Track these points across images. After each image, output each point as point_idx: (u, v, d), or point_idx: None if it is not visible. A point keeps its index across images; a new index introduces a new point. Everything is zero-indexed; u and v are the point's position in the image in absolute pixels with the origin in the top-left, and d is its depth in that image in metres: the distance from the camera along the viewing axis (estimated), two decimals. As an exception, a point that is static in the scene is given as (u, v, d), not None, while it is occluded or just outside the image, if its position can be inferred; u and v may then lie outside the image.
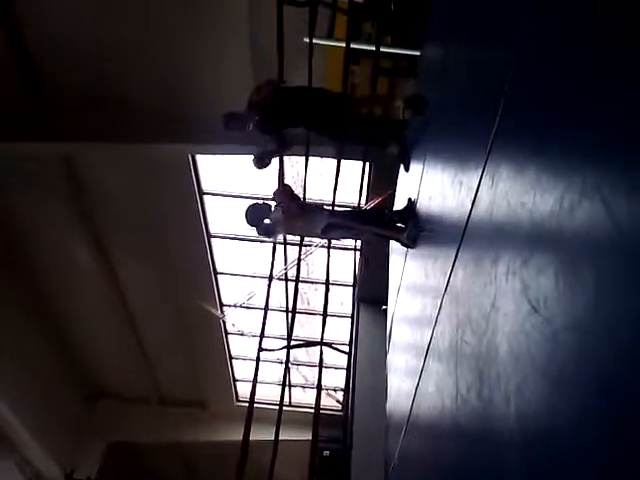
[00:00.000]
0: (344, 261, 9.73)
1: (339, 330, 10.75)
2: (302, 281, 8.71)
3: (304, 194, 6.97)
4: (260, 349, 6.88)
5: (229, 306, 10.88)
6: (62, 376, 12.13)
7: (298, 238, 7.53)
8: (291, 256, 8.60)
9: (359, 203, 7.60)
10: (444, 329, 2.53)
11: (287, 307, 8.71)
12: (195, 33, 6.82)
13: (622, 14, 1.12)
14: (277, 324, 11.14)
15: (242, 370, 12.85)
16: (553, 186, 1.35)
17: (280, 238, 5.32)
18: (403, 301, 4.83)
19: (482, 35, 2.50)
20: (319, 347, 7.36)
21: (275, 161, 6.13)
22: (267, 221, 4.60)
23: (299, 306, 7.97)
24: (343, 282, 10.20)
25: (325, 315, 7.24)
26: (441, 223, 3.05)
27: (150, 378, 12.76)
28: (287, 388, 10.80)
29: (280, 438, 6.93)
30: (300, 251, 7.66)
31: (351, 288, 9.15)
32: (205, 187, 9.21)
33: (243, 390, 13.13)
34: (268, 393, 11.76)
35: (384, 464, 5.38)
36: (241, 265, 11.13)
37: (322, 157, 7.56)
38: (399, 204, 5.08)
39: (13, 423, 10.66)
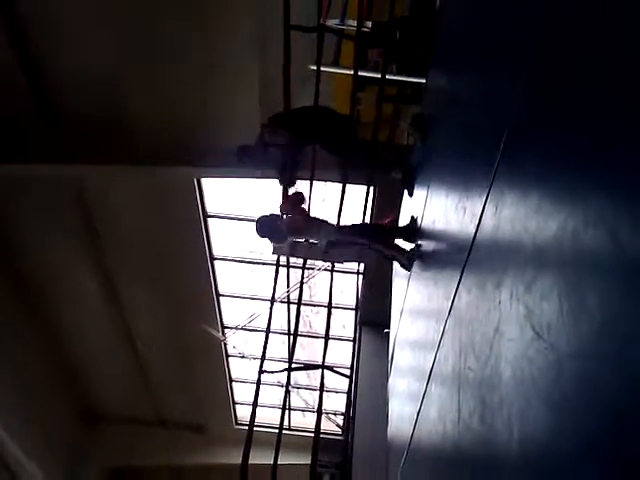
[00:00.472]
0: (347, 284, 9.73)
1: (341, 353, 10.71)
2: (304, 304, 8.69)
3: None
4: (261, 371, 6.84)
5: (231, 328, 10.85)
6: (60, 398, 12.06)
7: (301, 261, 7.54)
8: (294, 279, 8.60)
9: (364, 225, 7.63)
10: (447, 353, 2.53)
11: (289, 330, 8.68)
12: (203, 59, 6.91)
13: (622, 57, 1.15)
14: (278, 347, 11.11)
15: (242, 393, 12.77)
16: (556, 212, 1.37)
17: (290, 243, 5.41)
18: (405, 325, 4.83)
19: (487, 63, 2.54)
20: (320, 370, 7.32)
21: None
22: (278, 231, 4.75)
23: (301, 329, 7.95)
24: (345, 305, 10.19)
25: (327, 338, 7.22)
26: (445, 247, 3.07)
27: (150, 401, 12.68)
28: (287, 411, 10.71)
29: (279, 462, 6.86)
30: (303, 274, 7.67)
31: (353, 311, 9.13)
32: (209, 210, 9.27)
33: (243, 413, 13.03)
34: (268, 416, 11.67)
35: (384, 490, 5.33)
36: (243, 287, 11.14)
37: (326, 181, 7.61)
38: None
39: (10, 446, 10.51)
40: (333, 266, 7.68)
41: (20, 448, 10.67)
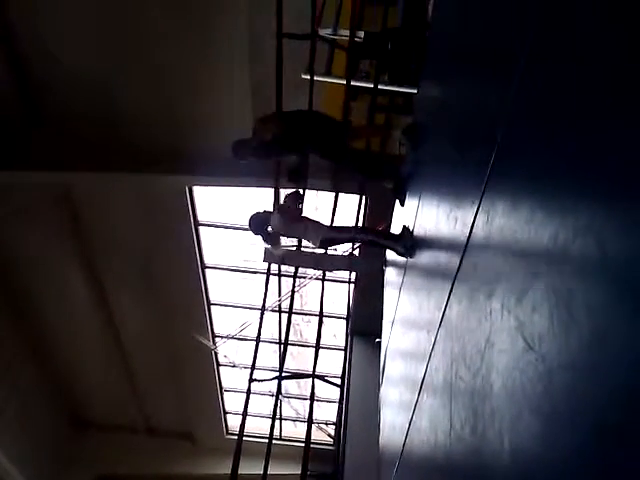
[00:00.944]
0: (338, 293, 9.74)
1: (331, 363, 10.69)
2: (295, 313, 8.69)
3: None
4: (251, 380, 6.83)
5: (222, 337, 10.82)
6: (48, 406, 11.97)
7: (292, 269, 7.54)
8: (285, 287, 8.60)
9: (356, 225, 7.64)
10: (438, 364, 2.54)
11: (280, 339, 8.67)
12: (195, 66, 6.92)
13: (614, 66, 1.17)
14: (269, 356, 11.08)
15: (233, 402, 12.71)
16: (547, 223, 1.38)
17: (283, 243, 5.43)
18: (397, 334, 4.83)
19: (478, 73, 2.56)
20: (311, 380, 7.31)
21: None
22: (268, 229, 4.75)
23: (292, 338, 7.95)
24: (337, 314, 10.19)
25: (318, 347, 7.21)
26: (436, 257, 3.07)
27: (139, 408, 12.61)
28: (278, 421, 10.68)
29: (270, 472, 6.84)
30: (294, 282, 7.67)
31: (344, 320, 9.13)
32: (201, 218, 9.26)
33: (233, 422, 12.98)
34: (258, 426, 11.63)
35: (375, 500, 5.31)
36: (234, 296, 11.12)
37: (319, 190, 7.62)
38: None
39: (-4, 454, 10.46)
40: (324, 275, 7.68)
41: (6, 455, 10.58)
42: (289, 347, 7.55)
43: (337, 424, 10.83)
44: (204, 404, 12.39)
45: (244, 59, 6.73)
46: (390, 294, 5.85)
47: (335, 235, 4.75)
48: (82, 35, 6.77)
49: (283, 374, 7.39)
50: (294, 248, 6.70)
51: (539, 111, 1.61)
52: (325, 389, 8.58)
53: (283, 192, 7.17)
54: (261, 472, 6.80)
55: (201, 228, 9.42)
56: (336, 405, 10.97)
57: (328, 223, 6.35)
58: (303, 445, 6.67)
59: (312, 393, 6.95)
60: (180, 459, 12.74)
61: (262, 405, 11.95)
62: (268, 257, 5.91)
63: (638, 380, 0.91)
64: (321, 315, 7.37)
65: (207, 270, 10.08)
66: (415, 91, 5.43)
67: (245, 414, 6.56)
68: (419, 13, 5.56)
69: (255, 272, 10.18)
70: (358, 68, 6.08)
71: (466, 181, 2.39)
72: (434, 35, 4.67)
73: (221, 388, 12.25)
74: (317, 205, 9.79)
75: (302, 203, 4.96)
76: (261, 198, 8.24)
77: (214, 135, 7.30)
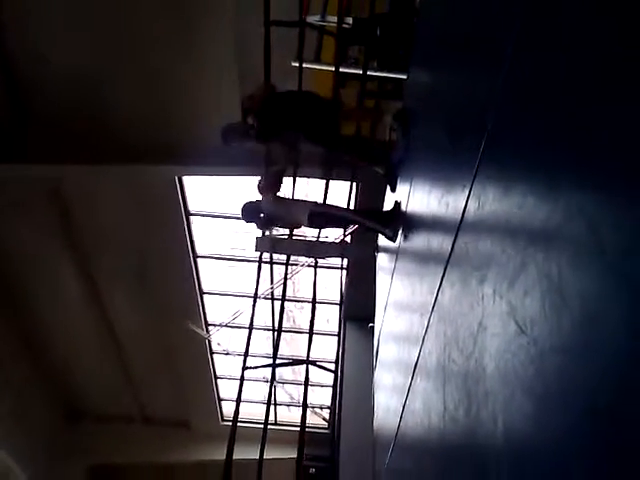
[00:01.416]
0: (331, 279, 9.77)
1: (325, 348, 10.75)
2: (288, 300, 8.71)
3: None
4: (244, 367, 6.85)
5: (215, 326, 10.84)
6: (43, 396, 11.96)
7: (284, 257, 7.55)
8: (277, 275, 8.61)
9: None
10: (431, 348, 2.57)
11: (273, 326, 8.70)
12: (182, 58, 6.88)
13: (604, 51, 1.18)
14: (263, 343, 11.12)
15: (227, 389, 12.76)
16: (539, 208, 1.39)
17: (276, 230, 5.47)
18: (390, 319, 4.87)
19: (467, 57, 2.56)
20: (305, 365, 7.35)
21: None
22: (262, 215, 4.79)
23: (285, 324, 7.97)
24: (329, 300, 10.22)
25: (311, 333, 7.25)
26: (428, 243, 3.10)
27: (134, 398, 12.63)
28: (272, 406, 10.73)
29: (265, 457, 6.89)
30: (286, 270, 7.68)
31: (337, 306, 9.17)
32: (191, 208, 9.24)
33: (228, 409, 13.02)
34: (253, 412, 11.69)
35: (371, 482, 5.38)
36: (227, 284, 11.12)
37: (309, 177, 7.62)
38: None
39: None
40: (316, 262, 7.70)
41: (2, 447, 10.58)
42: (283, 334, 7.58)
43: (332, 408, 10.93)
44: (199, 392, 12.44)
45: (231, 49, 6.69)
46: (382, 279, 5.88)
47: (323, 210, 4.77)
48: (72, 32, 6.72)
49: (277, 361, 7.43)
50: (285, 236, 6.71)
51: (528, 96, 1.62)
52: (319, 373, 8.63)
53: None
54: (256, 457, 6.85)
55: (192, 218, 9.40)
56: (330, 389, 11.06)
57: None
58: (298, 430, 6.73)
59: (306, 379, 6.99)
60: (176, 447, 12.80)
61: (256, 391, 12.01)
62: (260, 246, 5.92)
63: (628, 362, 0.93)
64: (314, 302, 7.39)
65: (199, 259, 10.08)
66: (404, 77, 5.43)
67: (239, 401, 6.60)
68: (407, -2, 5.55)
69: (247, 260, 10.19)
70: (347, 54, 6.06)
71: (457, 166, 2.41)
72: (422, 20, 4.66)
73: (215, 376, 12.30)
74: (307, 192, 9.78)
75: (281, 182, 4.97)
76: (251, 186, 8.23)
77: (202, 125, 7.27)
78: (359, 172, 6.65)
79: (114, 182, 8.72)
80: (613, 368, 0.98)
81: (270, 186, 4.85)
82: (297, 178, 6.68)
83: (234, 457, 6.23)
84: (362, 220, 4.87)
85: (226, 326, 10.54)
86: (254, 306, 7.36)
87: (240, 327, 10.62)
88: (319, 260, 7.73)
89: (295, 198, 4.81)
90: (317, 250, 6.30)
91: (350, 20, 5.85)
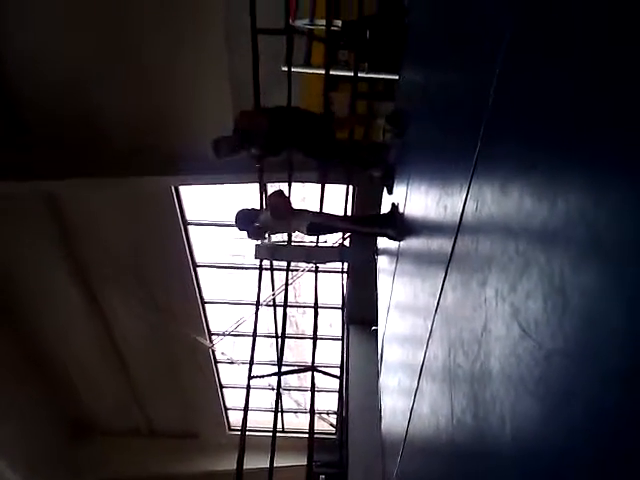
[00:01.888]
0: (332, 283, 9.75)
1: (329, 352, 10.72)
2: (290, 306, 8.70)
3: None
4: (250, 377, 6.83)
5: (218, 335, 10.82)
6: (49, 411, 11.93)
7: (285, 264, 7.53)
8: (278, 281, 8.60)
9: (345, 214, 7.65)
10: (436, 351, 2.55)
11: (276, 332, 8.68)
12: (175, 66, 6.87)
13: (596, 49, 1.17)
14: (266, 349, 11.09)
15: (233, 398, 12.73)
16: (537, 210, 1.38)
17: (267, 239, 5.46)
18: (393, 322, 4.85)
19: (459, 57, 2.55)
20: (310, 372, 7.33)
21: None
22: (256, 224, 4.78)
23: (288, 330, 7.96)
24: (331, 305, 10.20)
25: (315, 339, 7.23)
26: (428, 245, 3.08)
27: (140, 410, 12.60)
28: (279, 414, 10.70)
29: (275, 465, 6.86)
30: (287, 275, 7.67)
31: (339, 310, 9.15)
32: (189, 217, 9.22)
33: (235, 419, 12.99)
34: (260, 420, 11.66)
35: (382, 486, 5.35)
36: (228, 293, 11.10)
37: (305, 182, 7.61)
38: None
39: (-2, 461, 10.44)
40: (317, 267, 7.68)
41: (10, 466, 10.56)
42: (286, 340, 7.56)
43: (339, 413, 10.89)
44: (205, 402, 12.40)
45: (223, 56, 6.68)
46: (383, 282, 5.86)
47: (322, 221, 4.76)
48: (68, 46, 6.70)
49: (282, 369, 7.41)
50: (284, 242, 6.70)
51: (523, 95, 1.61)
52: (325, 378, 8.61)
53: (269, 187, 7.17)
54: (266, 466, 6.82)
55: (190, 227, 9.39)
56: (336, 394, 11.03)
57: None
58: (306, 436, 6.70)
59: (312, 385, 6.97)
60: (184, 458, 12.74)
61: (262, 399, 11.98)
62: (259, 253, 5.90)
63: (632, 362, 0.92)
64: (316, 307, 7.38)
65: (199, 268, 10.06)
66: (396, 77, 5.42)
67: (246, 410, 6.58)
68: (395, -1, 5.55)
69: (247, 268, 10.18)
70: (337, 57, 6.06)
71: (453, 167, 2.40)
72: (413, 21, 4.66)
73: (220, 385, 12.26)
74: (304, 196, 9.77)
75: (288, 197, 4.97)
76: (246, 193, 8.23)
77: (197, 134, 7.26)
78: (355, 176, 6.64)
79: (111, 194, 8.70)
80: (618, 370, 0.97)
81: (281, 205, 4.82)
82: (293, 183, 6.67)
83: (244, 467, 6.20)
84: (361, 229, 4.86)
85: (229, 335, 10.52)
86: (257, 314, 7.34)
87: (243, 335, 10.60)
88: (319, 265, 7.72)
89: (295, 208, 4.78)
90: (316, 255, 6.29)
91: (339, 23, 5.84)
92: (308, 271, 8.37)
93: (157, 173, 7.72)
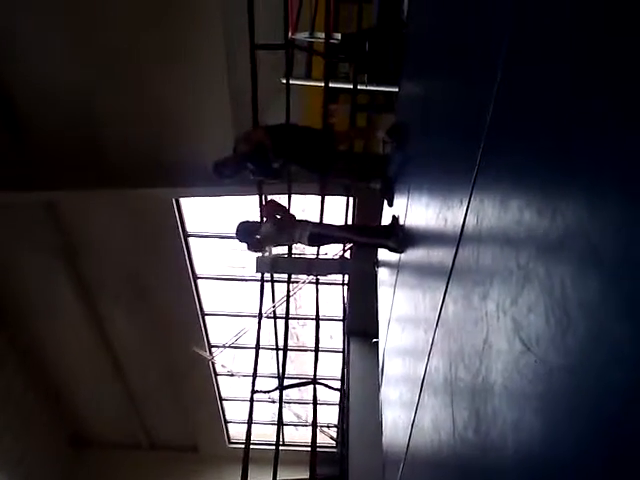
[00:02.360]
0: (332, 295, 9.73)
1: (330, 363, 10.68)
2: (292, 318, 8.67)
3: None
4: (253, 391, 6.80)
5: (218, 347, 10.78)
6: (47, 424, 11.87)
7: (285, 275, 7.51)
8: (279, 293, 8.57)
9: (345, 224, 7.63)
10: (438, 364, 2.53)
11: (277, 345, 8.65)
12: (175, 77, 6.90)
13: (595, 60, 1.16)
14: (267, 361, 11.04)
15: (233, 411, 12.67)
16: (538, 223, 1.37)
17: (268, 251, 5.46)
18: (394, 334, 4.83)
19: (459, 69, 2.55)
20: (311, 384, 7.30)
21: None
22: (257, 237, 4.78)
23: (288, 342, 7.93)
24: (332, 317, 10.17)
25: (317, 351, 7.20)
26: (428, 258, 3.07)
27: (140, 424, 12.53)
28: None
29: (277, 479, 6.82)
30: (288, 288, 7.65)
31: (340, 322, 9.12)
32: (189, 229, 9.22)
33: (235, 431, 12.93)
34: (260, 432, 11.59)
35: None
36: (228, 304, 11.08)
37: (305, 194, 7.61)
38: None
39: (-3, 476, 10.38)
40: (317, 279, 7.66)
41: (6, 475, 10.48)
42: (287, 352, 7.52)
43: (339, 426, 10.83)
44: (204, 415, 12.34)
45: (223, 70, 6.70)
46: (384, 294, 5.85)
47: (323, 231, 4.76)
48: (66, 56, 6.73)
49: (284, 383, 7.37)
50: (285, 255, 6.69)
51: (523, 106, 1.60)
52: (326, 391, 8.58)
53: (269, 198, 7.16)
54: (266, 479, 6.78)
55: (190, 239, 9.38)
56: (337, 407, 10.98)
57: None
58: (306, 449, 6.66)
59: (315, 399, 6.93)
60: (183, 471, 12.66)
61: (262, 411, 11.92)
62: (260, 267, 5.89)
63: (635, 377, 0.91)
64: (318, 319, 7.35)
65: (199, 280, 10.04)
66: (395, 89, 5.44)
67: (250, 424, 6.54)
68: (394, 10, 5.57)
69: (247, 280, 10.16)
70: (337, 70, 6.08)
71: (454, 179, 2.39)
72: (411, 33, 4.67)
73: (221, 398, 12.21)
74: (304, 207, 9.77)
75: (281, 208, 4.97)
76: (247, 205, 8.23)
77: (197, 145, 7.28)
78: (354, 188, 6.65)
79: (111, 206, 8.70)
80: (621, 384, 0.96)
81: (272, 207, 4.85)
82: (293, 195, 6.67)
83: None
84: (362, 239, 4.85)
85: (229, 347, 10.48)
86: (259, 326, 7.32)
87: (244, 347, 10.56)
88: (321, 277, 7.70)
89: (296, 219, 4.78)
90: (317, 267, 6.28)
91: (338, 36, 5.87)
92: (309, 283, 8.35)
93: (157, 185, 7.72)
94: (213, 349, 10.92)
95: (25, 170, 7.44)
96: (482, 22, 2.15)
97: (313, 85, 6.06)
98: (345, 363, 7.84)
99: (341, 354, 8.44)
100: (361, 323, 8.55)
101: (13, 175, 7.45)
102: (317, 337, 7.17)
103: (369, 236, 4.82)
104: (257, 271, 6.01)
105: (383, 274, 6.11)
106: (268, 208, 4.93)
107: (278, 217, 4.72)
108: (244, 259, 9.34)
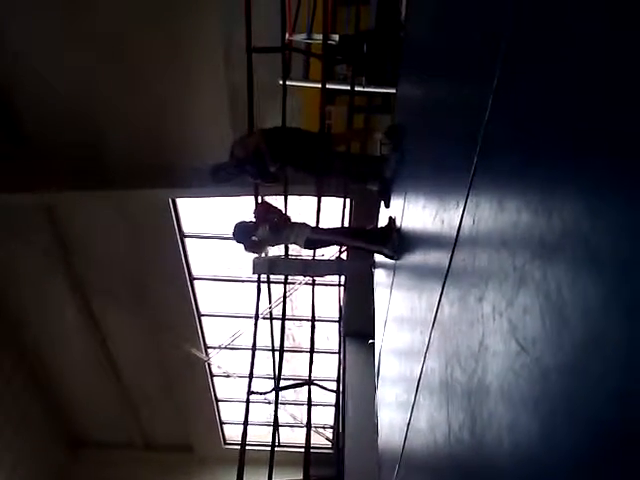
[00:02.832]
0: (329, 296, 9.72)
1: (326, 364, 10.67)
2: (288, 319, 8.66)
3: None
4: (249, 392, 6.80)
5: (214, 348, 10.76)
6: (44, 425, 11.85)
7: (282, 277, 7.51)
8: (275, 294, 8.56)
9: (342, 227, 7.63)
10: (434, 365, 2.54)
11: (273, 346, 8.64)
12: (174, 79, 6.89)
13: (593, 64, 1.17)
14: (262, 362, 11.02)
15: (229, 412, 12.65)
16: (534, 224, 1.37)
17: (265, 253, 5.46)
18: (390, 335, 4.83)
19: (456, 71, 2.55)
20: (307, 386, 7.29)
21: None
22: (254, 238, 4.77)
23: (285, 343, 7.93)
24: (328, 318, 10.17)
25: (312, 352, 7.20)
26: (425, 259, 3.08)
27: (135, 424, 12.52)
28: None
29: (272, 480, 6.82)
30: (285, 289, 7.64)
31: (336, 323, 9.11)
32: (186, 230, 9.21)
33: (230, 432, 12.92)
34: (256, 433, 11.58)
35: (378, 502, 5.30)
36: (223, 305, 11.06)
37: (301, 196, 7.61)
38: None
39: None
40: (314, 280, 7.66)
41: (2, 476, 10.45)
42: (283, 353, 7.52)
43: (335, 427, 10.82)
44: (200, 416, 12.33)
45: (221, 71, 6.70)
46: (381, 295, 5.85)
47: (320, 236, 4.76)
48: (66, 59, 6.72)
49: (280, 384, 7.37)
50: (282, 256, 6.68)
51: (519, 109, 1.61)
52: (321, 392, 8.58)
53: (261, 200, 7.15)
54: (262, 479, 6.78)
55: (187, 240, 9.37)
56: (333, 408, 10.96)
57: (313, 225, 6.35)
58: (302, 450, 6.66)
59: (309, 400, 6.93)
60: (179, 472, 12.66)
61: (257, 412, 11.90)
62: (257, 269, 5.88)
63: (632, 379, 0.91)
64: (313, 320, 7.35)
65: (195, 281, 10.03)
66: (393, 91, 5.44)
67: (246, 425, 6.54)
68: (392, 12, 5.58)
69: (244, 281, 10.14)
70: (335, 71, 6.09)
71: (451, 181, 2.40)
72: (409, 35, 4.68)
73: (216, 399, 12.20)
74: (301, 209, 9.76)
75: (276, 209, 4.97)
76: (244, 206, 8.22)
77: (194, 146, 7.28)
78: (351, 188, 6.65)
79: (108, 206, 8.69)
80: (617, 386, 0.96)
81: (265, 209, 4.85)
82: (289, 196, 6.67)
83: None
84: (359, 244, 4.87)
85: (225, 348, 10.46)
86: (255, 328, 7.32)
87: (240, 349, 10.55)
88: (317, 278, 7.70)
89: (292, 221, 4.78)
90: (314, 269, 6.28)
91: (336, 37, 5.87)
92: (305, 284, 8.35)
93: (154, 186, 7.72)
94: (209, 350, 10.91)
95: (22, 171, 7.42)
96: (479, 25, 2.15)
97: (310, 86, 6.06)
98: (341, 364, 7.84)
99: (337, 355, 8.44)
100: (357, 324, 8.54)
101: (11, 176, 7.44)
102: (312, 338, 7.18)
103: (365, 241, 4.82)
104: (254, 272, 6.01)
105: (380, 275, 6.11)
106: (260, 210, 4.92)
107: (272, 219, 4.72)
108: (240, 260, 9.33)
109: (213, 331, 10.99)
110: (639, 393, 0.88)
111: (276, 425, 7.28)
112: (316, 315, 7.59)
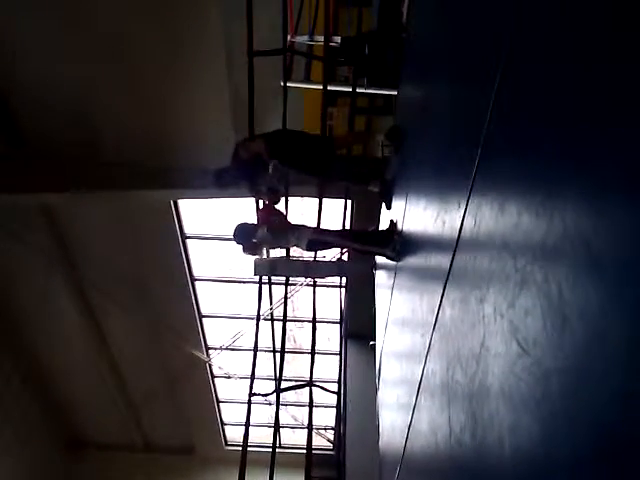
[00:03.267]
0: (330, 297, 9.72)
1: (327, 365, 10.66)
2: (289, 320, 8.67)
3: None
4: (251, 394, 6.80)
5: (215, 349, 10.76)
6: (44, 427, 11.85)
7: (284, 278, 7.51)
8: (276, 295, 8.56)
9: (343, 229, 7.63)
10: (435, 367, 2.53)
11: (274, 347, 8.64)
12: (175, 80, 6.89)
13: (597, 66, 1.17)
14: (263, 363, 11.02)
15: (230, 413, 12.64)
16: (535, 226, 1.37)
17: (264, 254, 5.45)
18: (391, 337, 4.83)
19: (458, 72, 2.56)
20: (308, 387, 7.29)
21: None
22: (254, 240, 4.78)
23: (286, 344, 7.93)
24: (329, 319, 10.16)
25: (313, 354, 7.20)
26: (426, 261, 3.07)
27: (137, 426, 12.51)
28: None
29: (273, 481, 6.81)
30: (286, 290, 7.64)
31: (337, 324, 9.11)
32: (187, 231, 9.22)
33: (231, 434, 12.91)
34: (257, 434, 11.57)
35: (379, 504, 5.30)
36: (224, 306, 11.06)
37: (303, 197, 7.62)
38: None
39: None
40: (315, 281, 7.66)
41: (3, 477, 10.45)
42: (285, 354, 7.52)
43: (336, 429, 10.82)
44: (201, 417, 12.32)
45: (222, 71, 6.71)
46: (382, 297, 5.84)
47: (321, 238, 4.76)
48: (65, 59, 6.72)
49: (282, 385, 7.37)
50: (283, 257, 6.68)
51: (521, 110, 1.61)
52: (322, 393, 8.58)
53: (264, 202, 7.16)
54: (263, 481, 6.77)
55: (188, 241, 9.38)
56: (334, 409, 10.96)
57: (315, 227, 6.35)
58: (303, 452, 6.66)
59: (310, 401, 6.93)
60: (180, 473, 12.65)
61: (258, 413, 11.89)
62: (258, 270, 5.88)
63: (633, 381, 0.91)
64: (314, 322, 7.35)
65: (197, 282, 10.03)
66: (395, 92, 5.45)
67: (247, 427, 6.54)
68: (394, 14, 5.58)
69: (245, 282, 10.15)
70: (336, 73, 6.09)
71: (452, 183, 2.39)
72: (411, 37, 4.68)
73: (217, 400, 12.19)
74: (303, 211, 9.77)
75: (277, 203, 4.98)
76: (245, 207, 8.22)
77: (195, 148, 7.28)
78: (352, 190, 6.65)
79: (110, 207, 8.70)
80: (619, 388, 0.96)
81: (267, 211, 4.86)
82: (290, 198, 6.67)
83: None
84: (360, 247, 4.86)
85: (226, 349, 10.46)
86: (257, 329, 7.31)
87: (241, 350, 10.55)
88: (318, 279, 7.70)
89: (293, 224, 4.79)
90: (315, 270, 6.27)
91: (338, 39, 5.88)
92: (306, 285, 8.35)
93: (156, 187, 7.72)
94: (210, 351, 10.91)
95: (23, 172, 7.43)
96: (481, 27, 2.16)
97: (312, 88, 6.07)
98: (342, 366, 7.83)
99: (338, 356, 8.43)
100: (358, 325, 8.54)
101: (11, 177, 7.45)
102: (314, 339, 7.18)
103: (367, 244, 4.81)
104: (255, 274, 6.00)
105: (381, 276, 6.11)
106: (263, 213, 4.92)
107: (273, 221, 4.72)
108: (242, 261, 9.33)
109: (214, 332, 10.99)
110: (642, 394, 0.88)
111: (277, 426, 7.27)
112: (317, 316, 7.59)
